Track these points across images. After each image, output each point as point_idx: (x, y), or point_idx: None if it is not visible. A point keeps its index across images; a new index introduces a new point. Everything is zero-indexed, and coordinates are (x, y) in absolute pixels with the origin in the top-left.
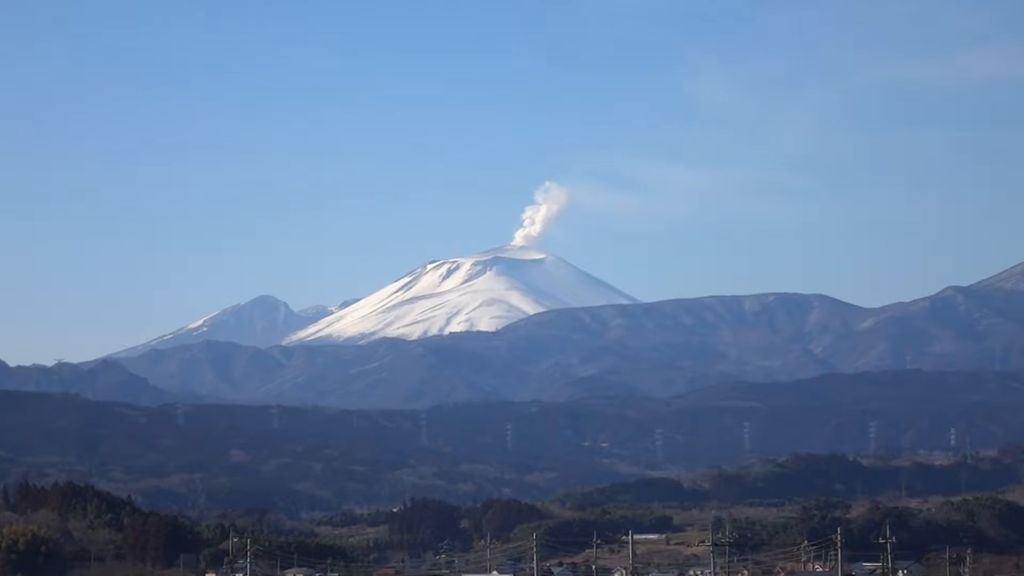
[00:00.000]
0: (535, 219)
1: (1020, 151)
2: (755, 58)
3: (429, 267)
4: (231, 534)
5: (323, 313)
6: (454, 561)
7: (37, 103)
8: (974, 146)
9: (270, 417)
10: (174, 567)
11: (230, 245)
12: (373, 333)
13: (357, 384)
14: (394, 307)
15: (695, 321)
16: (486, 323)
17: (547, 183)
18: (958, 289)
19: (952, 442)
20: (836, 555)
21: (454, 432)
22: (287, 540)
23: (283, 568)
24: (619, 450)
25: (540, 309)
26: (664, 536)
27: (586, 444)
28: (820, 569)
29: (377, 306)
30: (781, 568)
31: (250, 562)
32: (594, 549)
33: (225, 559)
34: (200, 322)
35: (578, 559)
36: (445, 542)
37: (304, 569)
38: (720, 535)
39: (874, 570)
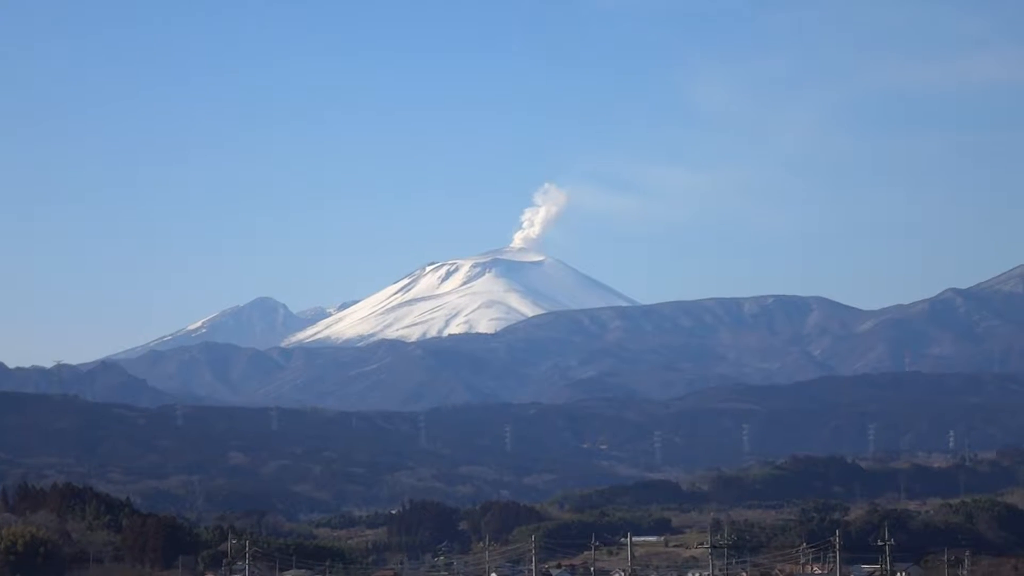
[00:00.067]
0: (534, 221)
1: (1019, 154)
2: (755, 59)
3: (428, 269)
4: (230, 536)
5: (322, 315)
6: (453, 563)
7: (37, 103)
8: (973, 149)
9: (269, 419)
10: (173, 569)
11: (229, 247)
12: (372, 335)
13: (356, 386)
14: (393, 309)
15: (694, 323)
16: (485, 325)
17: (546, 185)
18: (957, 291)
19: (951, 444)
20: (835, 557)
21: (453, 434)
22: (286, 542)
23: (282, 570)
24: (618, 452)
25: (539, 311)
26: (663, 538)
27: (585, 446)
28: (819, 571)
29: (376, 308)
30: (780, 570)
31: (249, 564)
32: (593, 551)
33: (224, 561)
34: (199, 324)
35: (577, 561)
36: (444, 544)
37: (303, 571)
38: (719, 537)
39: (872, 572)
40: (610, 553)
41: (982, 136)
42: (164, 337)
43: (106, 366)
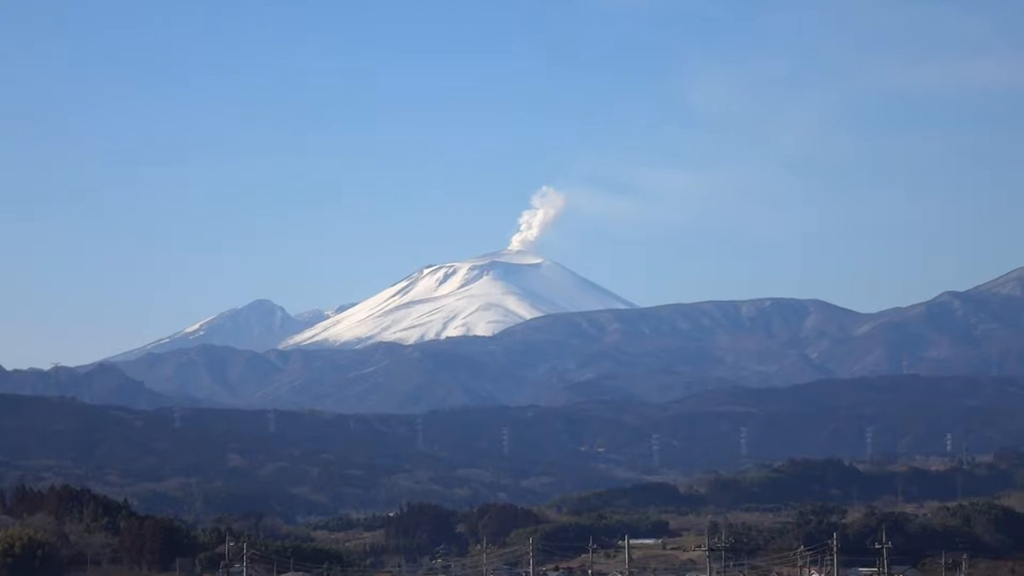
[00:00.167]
0: (532, 224)
1: (1017, 157)
2: (754, 60)
3: (426, 272)
4: (227, 538)
5: (320, 317)
6: (450, 566)
7: (37, 103)
8: (972, 152)
9: (267, 421)
10: (170, 571)
11: (227, 249)
12: (370, 338)
13: (354, 388)
14: (391, 312)
15: (692, 326)
16: (483, 328)
17: (544, 187)
18: (955, 294)
19: (948, 447)
20: (832, 560)
21: (450, 437)
22: (283, 544)
23: (279, 572)
24: (616, 455)
25: (537, 314)
26: (660, 541)
27: (583, 449)
28: (816, 574)
29: (374, 311)
30: (777, 573)
31: (246, 566)
32: (590, 554)
33: (221, 563)
34: (197, 326)
35: (574, 564)
36: (441, 547)
37: (300, 573)
38: (716, 540)
39: (870, 575)
40: (608, 556)
41: (981, 138)
42: (162, 339)
43: (104, 368)
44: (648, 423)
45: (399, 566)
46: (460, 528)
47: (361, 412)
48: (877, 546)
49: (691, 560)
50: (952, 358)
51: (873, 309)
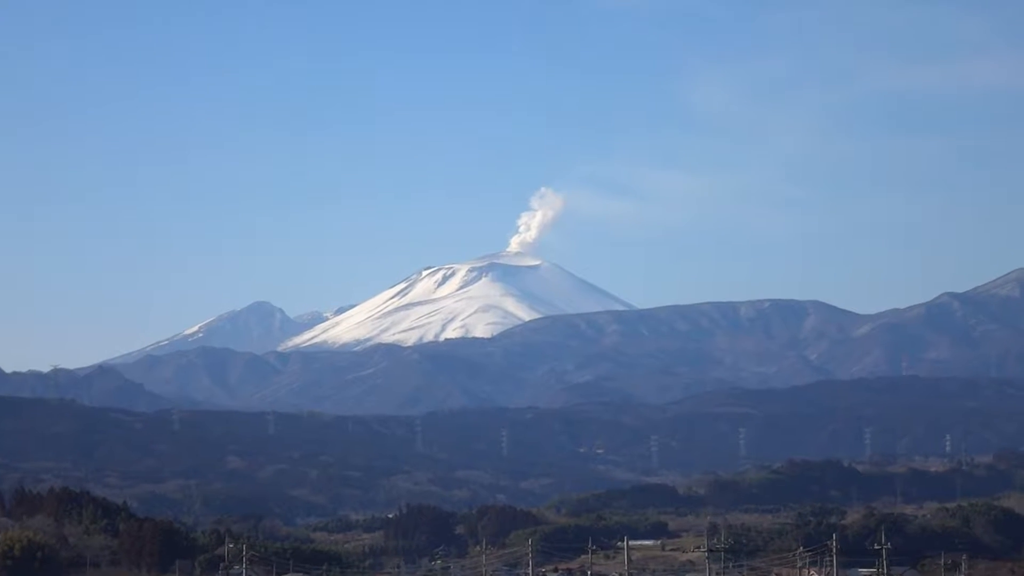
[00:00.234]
0: (531, 225)
1: (1017, 158)
2: (753, 61)
3: (424, 273)
4: (227, 540)
5: (319, 319)
6: (449, 567)
7: (37, 103)
8: (971, 153)
9: (266, 423)
10: (170, 573)
11: (226, 251)
12: (368, 339)
13: (352, 390)
14: (389, 313)
15: (691, 327)
16: (481, 329)
17: (543, 189)
18: (954, 295)
19: (948, 448)
20: (831, 561)
21: (449, 438)
22: (283, 546)
23: (279, 574)
24: (615, 456)
25: (535, 315)
26: (659, 542)
27: (581, 450)
28: (815, 575)
29: (372, 312)
30: (777, 574)
31: (246, 568)
32: (589, 555)
33: (221, 565)
34: (196, 328)
35: (573, 565)
36: (440, 548)
37: (300, 575)
38: (715, 541)
39: None
40: (607, 557)
41: (980, 140)
42: (161, 342)
43: (103, 370)
44: (647, 424)
45: (398, 567)
46: (459, 529)
47: (360, 414)
48: (876, 547)
49: (690, 561)
50: (951, 359)
51: (872, 310)
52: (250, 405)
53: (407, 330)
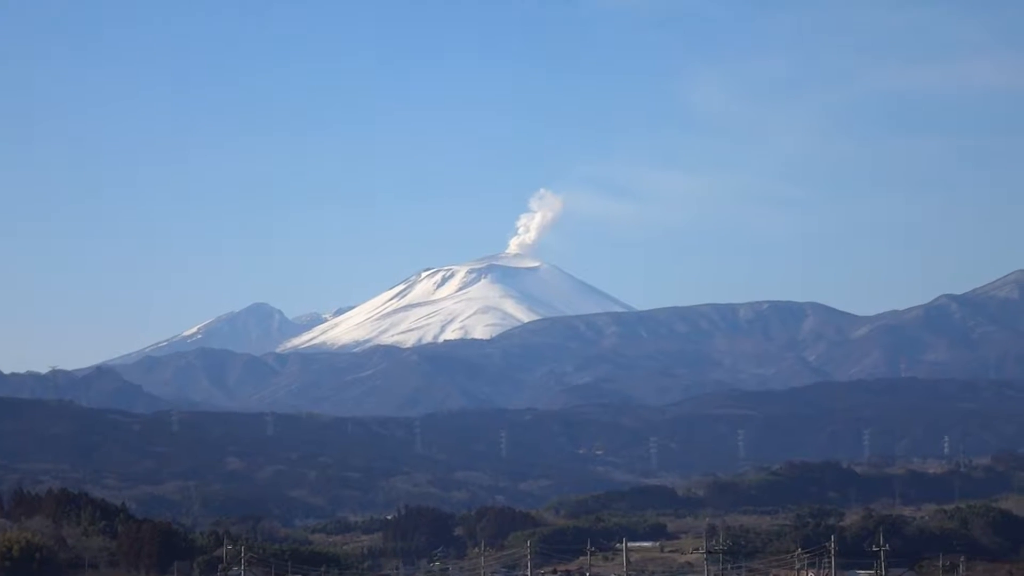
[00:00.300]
0: (530, 226)
1: (1015, 160)
2: (753, 62)
3: (423, 275)
4: (225, 541)
5: (317, 320)
6: (448, 568)
7: (36, 104)
8: (970, 154)
9: (264, 424)
10: (168, 574)
11: (225, 252)
12: (367, 341)
13: (351, 391)
14: (388, 315)
15: (689, 329)
16: (480, 331)
17: (542, 190)
18: (952, 297)
19: (946, 450)
20: (830, 563)
21: (448, 440)
22: (281, 547)
23: (277, 575)
24: (613, 458)
25: (534, 317)
26: (658, 543)
27: (580, 452)
28: None
29: (371, 314)
30: (775, 575)
31: (244, 569)
32: (588, 556)
33: (219, 566)
34: (195, 329)
35: (572, 567)
36: (439, 549)
37: None
38: (714, 543)
39: None
40: (606, 558)
41: (980, 141)
42: (160, 343)
43: (101, 372)
44: (646, 426)
45: (397, 569)
46: (458, 531)
47: (359, 415)
48: (875, 548)
49: (689, 563)
50: (950, 361)
51: (871, 312)
52: (249, 406)
53: (406, 331)
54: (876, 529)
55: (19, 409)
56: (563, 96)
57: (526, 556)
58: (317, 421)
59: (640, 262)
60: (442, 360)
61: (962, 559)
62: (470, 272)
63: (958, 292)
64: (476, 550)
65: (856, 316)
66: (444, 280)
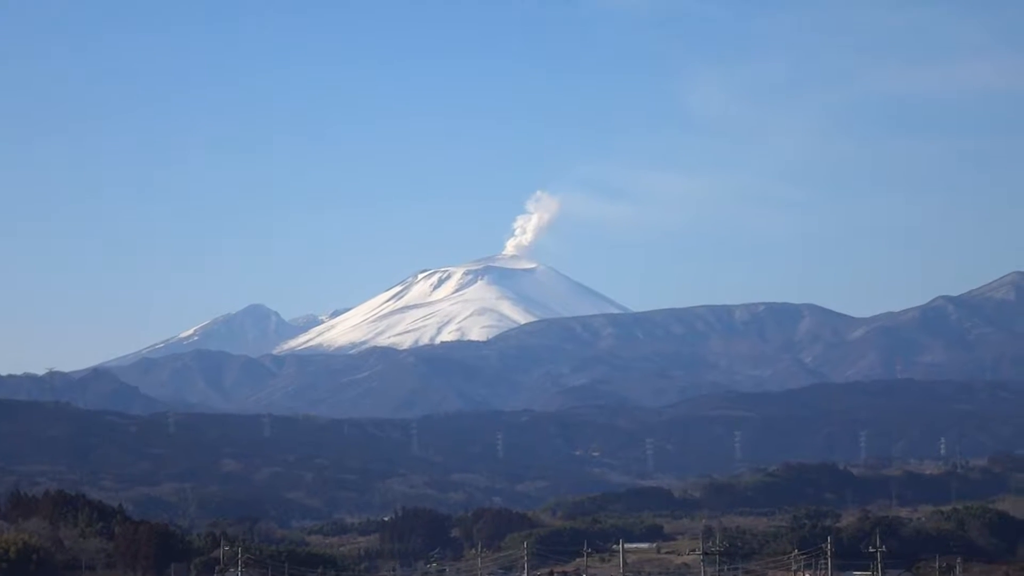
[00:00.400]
0: (526, 228)
1: (1015, 161)
2: (752, 63)
3: (420, 276)
4: (222, 543)
5: (314, 322)
6: (445, 570)
7: (36, 105)
8: (968, 156)
9: (261, 426)
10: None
11: (221, 254)
12: (364, 342)
13: (348, 393)
14: (385, 316)
15: (686, 331)
16: (477, 332)
17: (538, 192)
18: (949, 299)
19: (942, 451)
20: (826, 564)
21: (445, 441)
22: (278, 549)
23: None
24: (610, 459)
25: (531, 318)
26: (655, 545)
27: (577, 453)
28: None
29: (368, 315)
30: None
31: (241, 571)
32: (585, 558)
33: (216, 568)
34: (191, 331)
35: (569, 568)
36: (436, 551)
37: None
38: (710, 544)
39: None
40: (602, 560)
41: (979, 142)
42: (156, 344)
43: (98, 373)
44: (642, 427)
45: (394, 570)
46: (455, 532)
47: (355, 417)
48: (871, 550)
49: (685, 564)
50: (946, 362)
51: (867, 313)
52: (245, 408)
53: (403, 333)
54: (872, 530)
55: (16, 411)
56: (562, 96)
57: (523, 557)
58: (314, 423)
59: (636, 264)
60: (438, 362)
61: (958, 560)
62: (467, 274)
63: (954, 294)
64: (473, 551)
65: (852, 318)
66: (441, 282)
